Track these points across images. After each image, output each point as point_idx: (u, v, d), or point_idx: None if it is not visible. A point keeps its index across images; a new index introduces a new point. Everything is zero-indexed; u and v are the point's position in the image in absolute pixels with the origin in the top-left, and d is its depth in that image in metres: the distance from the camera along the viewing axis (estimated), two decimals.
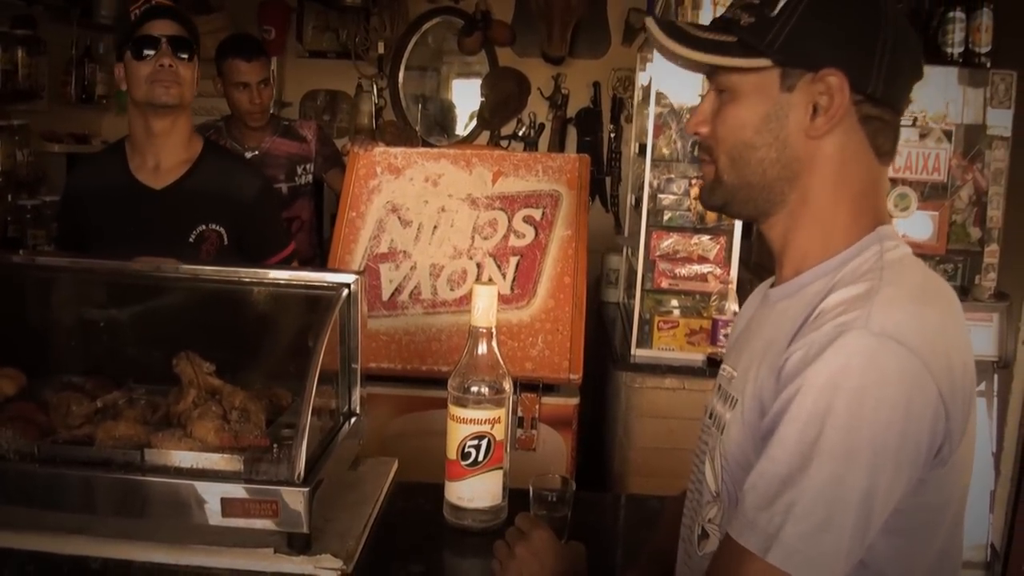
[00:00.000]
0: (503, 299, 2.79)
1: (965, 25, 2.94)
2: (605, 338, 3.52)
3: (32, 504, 1.45)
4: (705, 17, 2.83)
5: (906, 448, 0.97)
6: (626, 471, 2.93)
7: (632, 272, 3.29)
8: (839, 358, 0.97)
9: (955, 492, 1.07)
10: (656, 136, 2.96)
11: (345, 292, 1.68)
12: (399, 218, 2.92)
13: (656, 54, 2.84)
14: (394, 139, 4.93)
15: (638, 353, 3.01)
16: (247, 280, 1.79)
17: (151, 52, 2.15)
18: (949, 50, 2.97)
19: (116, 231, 2.20)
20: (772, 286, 1.23)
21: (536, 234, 2.87)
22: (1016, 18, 2.95)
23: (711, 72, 1.16)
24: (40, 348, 1.83)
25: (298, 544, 1.43)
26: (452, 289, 2.82)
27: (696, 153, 1.22)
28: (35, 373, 1.73)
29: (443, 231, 2.90)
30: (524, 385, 2.65)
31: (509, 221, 2.90)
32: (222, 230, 2.27)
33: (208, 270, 1.83)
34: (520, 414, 2.69)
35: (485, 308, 1.56)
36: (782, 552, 0.97)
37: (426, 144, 5.12)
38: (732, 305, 2.85)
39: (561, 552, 1.38)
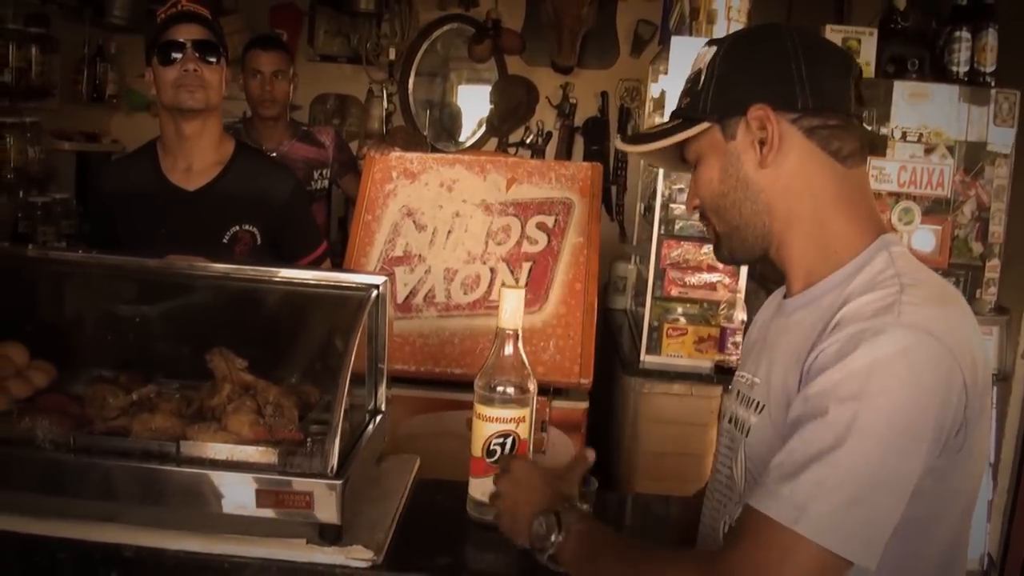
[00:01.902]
0: None
1: (971, 44, 3.00)
2: (612, 344, 3.56)
3: (67, 493, 1.47)
4: (719, 31, 2.89)
5: (934, 431, 1.03)
6: (634, 475, 2.97)
7: (641, 280, 3.34)
8: (876, 349, 1.03)
9: (969, 480, 1.14)
10: None
11: (374, 293, 1.71)
12: (414, 222, 2.96)
13: (670, 67, 2.90)
14: (404, 144, 4.92)
15: (647, 359, 3.06)
16: (276, 280, 1.82)
17: (177, 56, 2.18)
18: (955, 68, 3.04)
19: (149, 233, 2.23)
20: (785, 296, 1.29)
21: (548, 240, 2.90)
22: (1020, 38, 3.01)
23: (684, 159, 1.31)
24: (69, 343, 1.87)
25: (329, 535, 1.46)
26: (465, 293, 2.86)
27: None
28: (64, 367, 1.77)
29: (457, 236, 2.94)
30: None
31: (522, 227, 2.94)
32: (255, 231, 2.30)
33: (236, 269, 1.86)
34: None
35: (513, 310, 1.60)
36: (814, 524, 1.00)
37: (435, 150, 5.16)
38: (740, 314, 2.90)
39: (545, 475, 1.44)
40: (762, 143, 1.19)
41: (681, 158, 1.31)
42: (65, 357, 1.80)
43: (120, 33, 4.61)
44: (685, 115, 1.26)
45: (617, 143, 1.32)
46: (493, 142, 5.28)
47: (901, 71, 3.09)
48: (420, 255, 2.91)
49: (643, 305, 3.13)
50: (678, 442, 2.88)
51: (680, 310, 3.07)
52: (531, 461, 1.44)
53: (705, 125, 1.23)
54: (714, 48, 1.24)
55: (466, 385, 2.68)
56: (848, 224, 1.19)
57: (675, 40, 2.90)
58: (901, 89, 3.02)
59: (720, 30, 2.88)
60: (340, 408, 1.47)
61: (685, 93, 1.27)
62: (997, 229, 3.02)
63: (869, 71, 3.03)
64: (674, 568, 1.13)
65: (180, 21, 2.20)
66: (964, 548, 1.19)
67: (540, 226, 2.94)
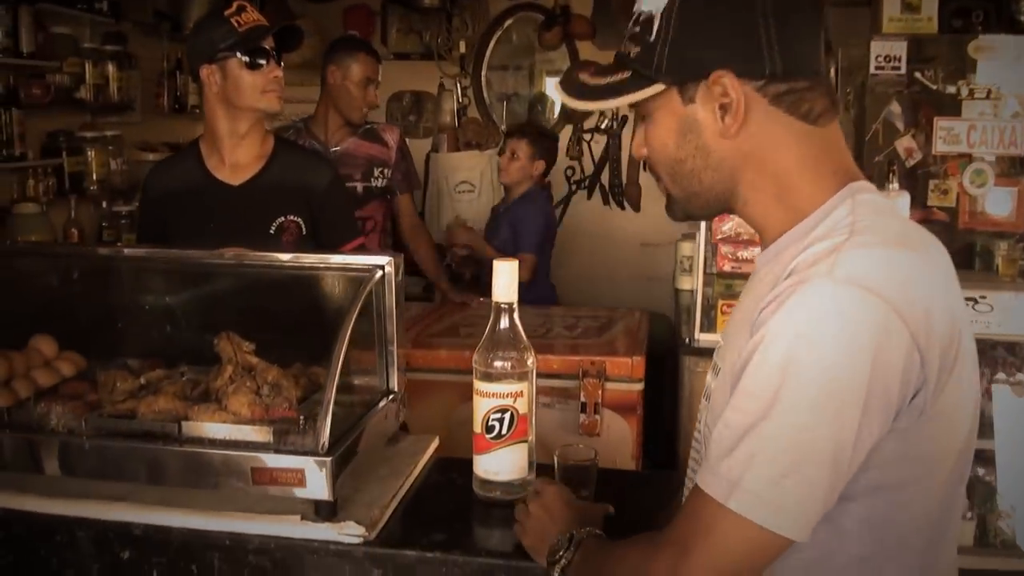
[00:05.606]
0: None
1: None
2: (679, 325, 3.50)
3: (79, 474, 1.55)
4: None
5: (874, 394, 0.95)
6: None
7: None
8: (802, 307, 0.97)
9: (946, 448, 1.06)
10: None
11: (379, 274, 1.72)
12: None
13: None
14: (476, 135, 5.01)
15: (702, 337, 2.96)
16: (284, 265, 1.85)
17: (263, 63, 2.29)
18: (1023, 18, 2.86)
19: (198, 228, 2.32)
20: None
21: None
22: None
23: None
24: (107, 334, 1.94)
25: (324, 511, 1.48)
26: None
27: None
28: (101, 357, 1.85)
29: None
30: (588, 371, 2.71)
31: None
32: (300, 220, 2.38)
33: (252, 256, 1.89)
34: (583, 399, 2.72)
35: (506, 284, 1.58)
36: (743, 499, 0.97)
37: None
38: None
39: (574, 505, 1.41)
40: (723, 109, 1.08)
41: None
42: (104, 348, 1.88)
43: None
44: (635, 69, 1.10)
45: (559, 92, 1.17)
46: (568, 129, 5.26)
47: (967, 26, 2.93)
48: None
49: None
50: None
51: (735, 286, 2.97)
52: (564, 490, 1.44)
53: (660, 87, 1.09)
54: None
55: None
56: (813, 181, 1.10)
57: None
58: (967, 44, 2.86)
59: None
60: (332, 386, 1.48)
61: (633, 38, 1.11)
62: None
63: (932, 26, 2.89)
64: (634, 555, 1.12)
65: (265, 30, 2.31)
66: (952, 521, 1.12)
67: None
